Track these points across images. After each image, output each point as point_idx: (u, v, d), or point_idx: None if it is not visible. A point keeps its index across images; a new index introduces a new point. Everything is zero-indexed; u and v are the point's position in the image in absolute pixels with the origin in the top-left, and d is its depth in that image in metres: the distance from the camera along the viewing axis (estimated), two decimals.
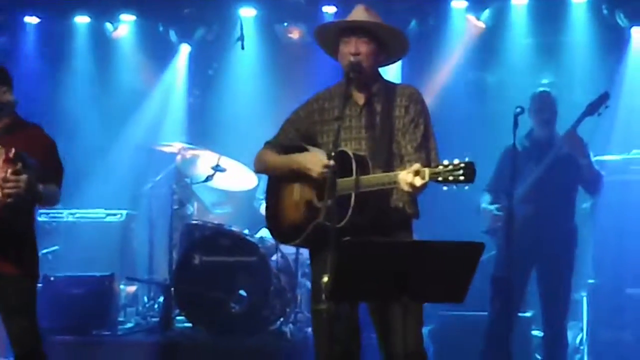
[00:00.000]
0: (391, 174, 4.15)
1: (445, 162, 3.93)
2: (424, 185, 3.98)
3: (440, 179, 3.91)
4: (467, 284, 3.89)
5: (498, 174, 6.73)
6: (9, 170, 4.58)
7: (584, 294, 7.35)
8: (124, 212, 8.65)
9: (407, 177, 4.00)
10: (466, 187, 3.90)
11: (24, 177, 4.60)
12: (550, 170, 6.54)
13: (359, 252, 3.81)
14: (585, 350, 7.27)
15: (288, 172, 4.51)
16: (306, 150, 4.49)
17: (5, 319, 4.86)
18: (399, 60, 4.70)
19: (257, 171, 4.96)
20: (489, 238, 6.56)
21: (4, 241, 4.75)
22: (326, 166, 4.21)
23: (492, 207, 6.67)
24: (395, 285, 3.83)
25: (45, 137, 4.99)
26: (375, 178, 4.20)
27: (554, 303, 6.67)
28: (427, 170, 3.96)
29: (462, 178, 3.86)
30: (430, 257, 3.82)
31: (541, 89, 6.96)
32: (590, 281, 7.37)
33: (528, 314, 7.19)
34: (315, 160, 4.35)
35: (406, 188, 4.02)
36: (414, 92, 4.50)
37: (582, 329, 7.36)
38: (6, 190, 4.57)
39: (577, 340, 7.38)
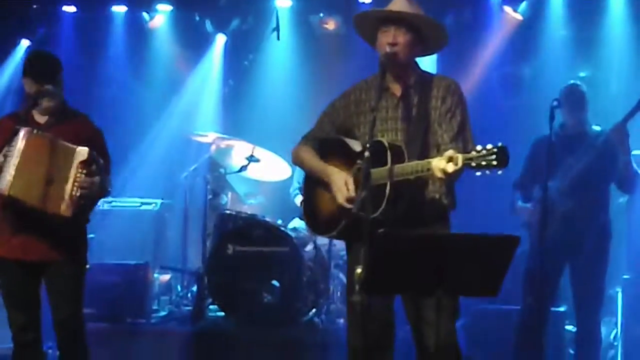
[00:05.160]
0: (424, 161, 4.11)
1: (479, 147, 3.90)
2: (457, 172, 3.96)
3: (473, 164, 3.88)
4: (501, 277, 3.87)
5: (529, 168, 6.67)
6: (84, 172, 4.73)
7: (618, 289, 7.29)
8: (159, 201, 8.69)
9: (440, 163, 3.98)
10: (499, 172, 3.87)
11: (97, 178, 4.79)
12: (591, 164, 6.47)
13: (393, 244, 3.80)
14: (619, 346, 7.22)
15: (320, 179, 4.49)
16: (344, 142, 4.47)
17: (53, 304, 4.93)
18: (437, 52, 4.66)
19: (295, 165, 4.96)
20: (523, 231, 6.51)
21: (57, 230, 4.83)
22: (350, 200, 4.22)
23: (528, 205, 6.61)
24: (429, 279, 3.82)
25: (92, 126, 5.07)
26: (409, 166, 4.17)
27: (588, 298, 6.61)
28: (460, 156, 3.93)
29: (495, 163, 3.83)
30: (465, 250, 3.81)
31: (571, 81, 6.85)
32: (625, 276, 7.31)
33: (561, 309, 7.14)
34: (342, 189, 4.32)
35: (439, 174, 3.99)
36: (451, 83, 4.47)
37: (616, 325, 7.30)
38: (81, 192, 4.72)
39: (611, 336, 7.32)
